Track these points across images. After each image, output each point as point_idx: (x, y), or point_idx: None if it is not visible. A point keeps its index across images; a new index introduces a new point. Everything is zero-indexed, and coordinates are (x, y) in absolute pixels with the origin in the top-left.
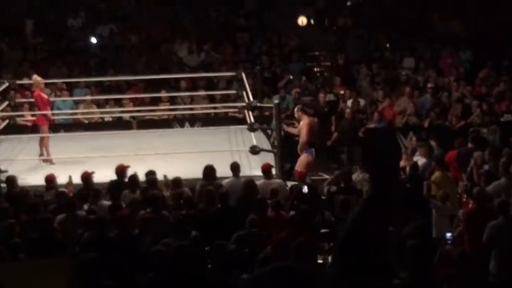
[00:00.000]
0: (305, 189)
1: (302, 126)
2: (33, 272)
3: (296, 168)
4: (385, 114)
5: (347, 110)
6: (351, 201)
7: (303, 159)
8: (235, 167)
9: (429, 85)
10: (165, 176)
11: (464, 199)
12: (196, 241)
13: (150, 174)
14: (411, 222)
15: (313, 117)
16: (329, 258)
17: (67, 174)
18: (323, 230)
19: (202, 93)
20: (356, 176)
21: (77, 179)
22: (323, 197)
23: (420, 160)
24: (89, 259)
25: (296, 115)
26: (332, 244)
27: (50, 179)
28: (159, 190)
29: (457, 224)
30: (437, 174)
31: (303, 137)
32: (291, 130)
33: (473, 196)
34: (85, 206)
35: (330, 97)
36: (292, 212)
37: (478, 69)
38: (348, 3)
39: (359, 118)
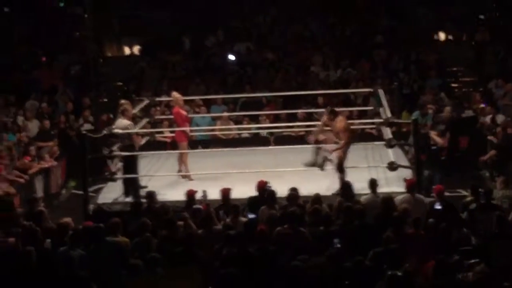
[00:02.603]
0: (438, 205)
1: (341, 128)
2: (164, 282)
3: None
4: None
5: (498, 129)
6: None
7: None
8: (373, 184)
9: None
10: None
11: None
12: (335, 257)
13: (292, 190)
14: None
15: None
16: (470, 276)
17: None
18: (462, 248)
19: (340, 109)
20: (496, 192)
21: (213, 195)
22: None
23: None
24: (231, 274)
25: (327, 119)
26: (473, 261)
27: (191, 195)
28: (301, 206)
29: None
30: None
31: (345, 139)
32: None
33: None
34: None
35: (469, 113)
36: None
37: None
38: (481, 17)
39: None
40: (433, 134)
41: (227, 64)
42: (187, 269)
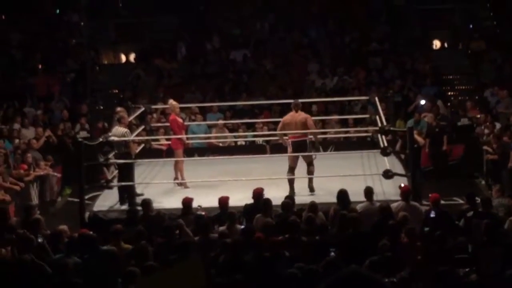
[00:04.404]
0: (433, 213)
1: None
2: (164, 280)
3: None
4: None
5: (492, 137)
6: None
7: None
8: (368, 192)
9: None
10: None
11: None
12: (330, 265)
13: (287, 198)
14: None
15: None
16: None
17: (201, 198)
18: (458, 256)
19: (334, 117)
20: (492, 200)
21: (208, 203)
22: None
23: None
24: (229, 281)
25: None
26: (468, 270)
27: (187, 203)
28: (297, 214)
29: None
30: None
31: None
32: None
33: None
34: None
35: (465, 121)
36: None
37: None
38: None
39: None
40: (415, 134)
41: (224, 72)
42: (186, 263)
